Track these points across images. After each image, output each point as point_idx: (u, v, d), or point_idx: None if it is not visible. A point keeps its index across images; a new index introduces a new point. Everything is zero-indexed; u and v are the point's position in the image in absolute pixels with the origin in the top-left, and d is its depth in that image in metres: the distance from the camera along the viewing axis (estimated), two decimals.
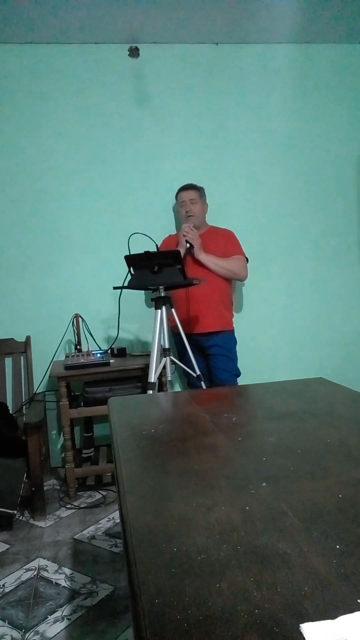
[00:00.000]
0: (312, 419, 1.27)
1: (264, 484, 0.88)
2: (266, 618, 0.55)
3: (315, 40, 3.22)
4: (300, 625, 0.53)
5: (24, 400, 2.98)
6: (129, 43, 3.05)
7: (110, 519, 2.46)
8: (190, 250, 2.75)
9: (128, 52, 3.07)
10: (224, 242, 2.89)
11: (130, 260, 2.38)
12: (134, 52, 3.07)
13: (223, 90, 3.19)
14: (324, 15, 2.91)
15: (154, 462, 1.05)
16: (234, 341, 2.91)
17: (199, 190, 2.93)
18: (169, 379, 2.56)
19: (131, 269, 2.40)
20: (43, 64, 3.00)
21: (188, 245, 2.72)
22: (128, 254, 2.40)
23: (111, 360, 2.78)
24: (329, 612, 0.55)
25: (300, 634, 0.52)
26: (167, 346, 2.46)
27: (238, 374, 2.89)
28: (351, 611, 0.55)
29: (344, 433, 1.15)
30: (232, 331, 2.93)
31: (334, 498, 0.81)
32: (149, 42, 3.07)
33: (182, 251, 2.61)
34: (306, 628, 0.52)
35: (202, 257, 2.75)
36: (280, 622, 0.54)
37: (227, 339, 2.88)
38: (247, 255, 2.93)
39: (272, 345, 3.36)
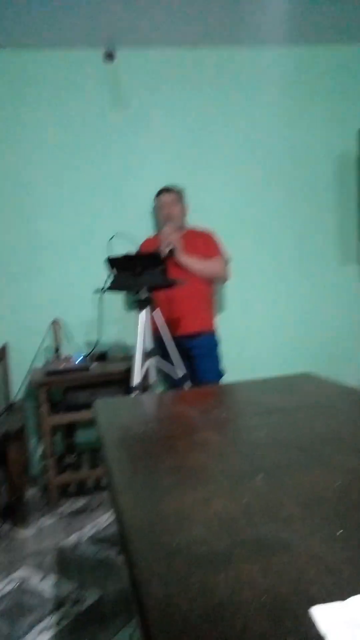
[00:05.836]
0: (301, 412, 1.28)
1: (260, 476, 0.88)
2: (275, 603, 0.54)
3: (299, 41, 3.24)
4: (310, 608, 0.53)
5: (1, 408, 2.91)
6: (104, 47, 3.04)
7: (94, 525, 2.42)
8: (172, 254, 2.73)
9: (103, 57, 3.05)
10: (204, 243, 2.89)
11: (112, 262, 2.36)
12: (109, 57, 3.05)
13: (203, 92, 3.20)
14: (310, 15, 2.91)
15: (146, 461, 1.04)
16: (216, 342, 2.92)
17: (178, 192, 2.93)
18: (153, 380, 2.54)
19: (114, 269, 2.38)
20: (16, 69, 2.96)
21: (169, 249, 2.71)
22: (108, 256, 2.38)
23: (92, 365, 2.75)
24: (336, 594, 0.55)
25: (310, 617, 0.52)
26: (150, 348, 2.44)
27: (222, 375, 2.90)
28: (359, 592, 0.55)
29: (333, 425, 1.16)
30: (214, 332, 2.93)
31: (331, 486, 0.82)
32: (126, 45, 3.05)
33: (164, 254, 2.60)
34: (316, 611, 0.52)
35: (182, 259, 2.75)
36: (289, 606, 0.54)
37: (209, 340, 2.88)
38: (230, 255, 2.94)
39: (257, 343, 3.37)
